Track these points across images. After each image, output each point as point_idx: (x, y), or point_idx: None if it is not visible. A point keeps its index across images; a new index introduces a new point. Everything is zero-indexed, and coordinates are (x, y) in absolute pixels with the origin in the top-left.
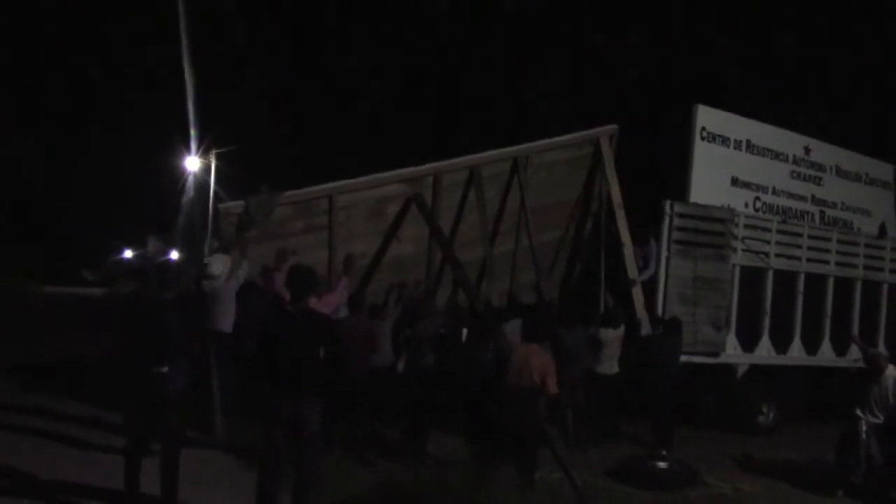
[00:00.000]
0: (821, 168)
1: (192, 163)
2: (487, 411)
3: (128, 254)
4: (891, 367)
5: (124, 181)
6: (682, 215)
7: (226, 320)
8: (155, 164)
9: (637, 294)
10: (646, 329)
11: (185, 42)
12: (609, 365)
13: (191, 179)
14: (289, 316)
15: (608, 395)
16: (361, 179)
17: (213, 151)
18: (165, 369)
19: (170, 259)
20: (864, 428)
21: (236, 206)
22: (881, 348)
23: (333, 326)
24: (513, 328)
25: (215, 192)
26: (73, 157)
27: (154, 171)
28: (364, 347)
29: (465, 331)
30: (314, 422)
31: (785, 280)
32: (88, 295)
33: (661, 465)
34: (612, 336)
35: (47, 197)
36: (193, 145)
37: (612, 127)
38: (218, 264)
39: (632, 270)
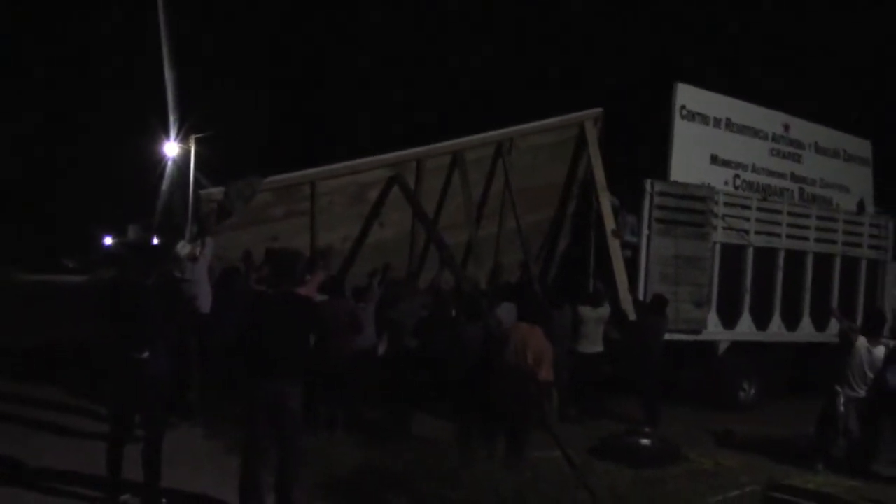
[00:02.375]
0: (800, 145)
1: (171, 148)
2: (478, 390)
3: (108, 240)
4: (861, 338)
5: (104, 167)
6: (662, 194)
7: (200, 301)
8: (134, 150)
9: (620, 274)
10: (628, 310)
11: (163, 26)
12: (591, 343)
13: (170, 165)
14: (270, 299)
15: (592, 374)
16: (343, 165)
17: (193, 136)
18: (147, 354)
19: (150, 245)
20: (842, 402)
21: (217, 192)
22: (860, 323)
23: (316, 310)
24: (507, 311)
25: (195, 178)
26: (51, 143)
27: (134, 157)
28: (346, 330)
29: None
30: (295, 404)
31: (765, 257)
32: (70, 282)
33: (643, 441)
34: (594, 315)
35: (27, 184)
36: (172, 130)
37: (598, 110)
38: (185, 248)
39: (615, 253)
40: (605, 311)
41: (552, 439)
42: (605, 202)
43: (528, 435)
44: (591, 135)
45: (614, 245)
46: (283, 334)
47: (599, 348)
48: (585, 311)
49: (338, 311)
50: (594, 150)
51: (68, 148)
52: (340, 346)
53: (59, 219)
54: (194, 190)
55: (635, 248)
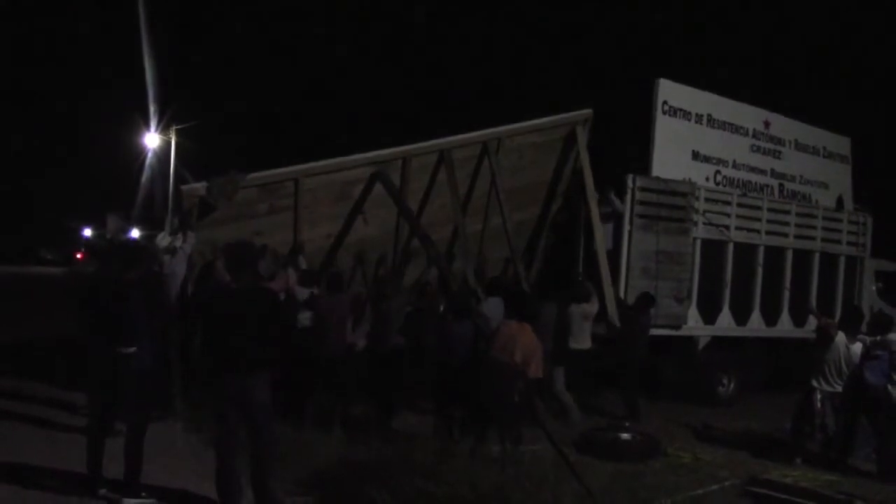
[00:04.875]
0: (780, 142)
1: (151, 139)
2: (466, 386)
3: (87, 232)
4: (840, 333)
5: (83, 158)
6: (644, 189)
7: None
8: (115, 141)
9: (606, 273)
10: (612, 307)
11: (143, 17)
12: (577, 340)
13: (150, 156)
14: (230, 293)
15: (577, 369)
16: (328, 162)
17: (174, 127)
18: (130, 349)
19: (131, 238)
20: (818, 397)
21: (199, 187)
22: (838, 319)
23: (277, 301)
24: (493, 305)
25: (175, 170)
26: (29, 134)
27: (114, 148)
28: (343, 326)
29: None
30: (261, 396)
31: (745, 253)
32: (47, 274)
33: (624, 436)
34: (579, 311)
35: (3, 174)
36: (153, 121)
37: (587, 112)
38: (164, 240)
39: (602, 255)
40: (591, 307)
41: (544, 435)
42: (594, 204)
43: (513, 431)
44: (581, 137)
45: (601, 245)
46: (242, 327)
47: (587, 345)
48: (571, 307)
49: (336, 307)
50: (584, 153)
51: (47, 138)
52: (338, 342)
53: (36, 210)
54: (174, 182)
55: (619, 217)
